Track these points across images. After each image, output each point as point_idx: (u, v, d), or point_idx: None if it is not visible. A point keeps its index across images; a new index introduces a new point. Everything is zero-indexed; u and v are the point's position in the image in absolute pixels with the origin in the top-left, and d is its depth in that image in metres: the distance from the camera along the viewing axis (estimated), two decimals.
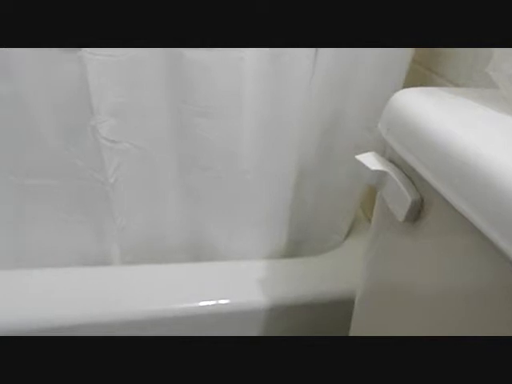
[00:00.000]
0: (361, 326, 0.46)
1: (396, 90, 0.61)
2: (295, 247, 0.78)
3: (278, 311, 0.66)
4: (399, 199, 0.32)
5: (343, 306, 0.57)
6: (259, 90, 0.61)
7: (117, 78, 0.57)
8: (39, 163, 0.63)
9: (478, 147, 0.25)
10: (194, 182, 0.68)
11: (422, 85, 0.67)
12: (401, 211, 0.32)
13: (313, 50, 0.58)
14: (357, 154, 0.67)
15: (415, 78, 0.67)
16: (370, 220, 0.85)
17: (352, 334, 0.48)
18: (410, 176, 0.33)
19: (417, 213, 0.31)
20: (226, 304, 0.64)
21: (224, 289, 0.66)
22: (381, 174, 0.34)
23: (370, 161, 0.35)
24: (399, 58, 0.60)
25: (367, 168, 0.34)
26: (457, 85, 0.59)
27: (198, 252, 0.74)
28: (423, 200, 0.31)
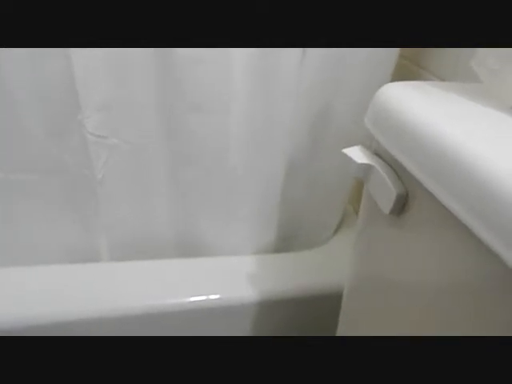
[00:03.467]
0: (349, 319, 0.47)
1: (383, 85, 0.62)
2: (285, 242, 0.78)
3: (268, 306, 0.66)
4: (385, 192, 0.32)
5: (332, 300, 0.57)
6: (248, 85, 0.61)
7: (104, 72, 0.57)
8: (26, 158, 0.62)
9: (461, 140, 0.26)
10: (183, 178, 0.68)
11: (409, 79, 0.67)
12: (386, 204, 0.32)
13: None
14: (346, 147, 0.68)
15: (402, 73, 0.67)
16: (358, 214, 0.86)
17: (341, 326, 0.49)
18: (396, 169, 0.33)
19: (402, 206, 0.32)
20: (216, 299, 0.65)
21: (214, 284, 0.67)
22: (367, 168, 0.34)
23: (357, 154, 0.35)
24: (387, 52, 0.61)
25: (353, 161, 0.35)
26: (443, 79, 0.59)
27: (187, 248, 0.74)
28: (408, 193, 0.32)
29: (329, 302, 0.64)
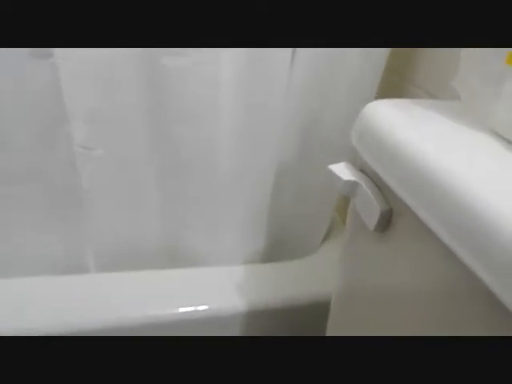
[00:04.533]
0: (336, 329, 0.47)
1: (371, 95, 0.63)
2: (273, 251, 0.78)
3: (256, 316, 0.66)
4: (370, 209, 0.33)
5: (320, 309, 0.58)
6: (236, 95, 0.61)
7: (91, 83, 0.57)
8: (11, 169, 0.61)
9: (438, 160, 0.27)
10: (171, 187, 0.68)
11: (394, 93, 0.69)
12: (371, 221, 0.33)
13: (289, 54, 0.59)
14: (335, 158, 0.68)
15: (389, 87, 0.68)
16: (345, 223, 0.87)
17: (328, 335, 0.49)
18: (380, 186, 0.34)
19: (386, 222, 0.32)
20: (204, 310, 0.64)
21: (202, 294, 0.66)
22: (353, 184, 0.35)
23: (342, 171, 0.36)
24: (373, 66, 0.62)
25: (339, 178, 0.35)
26: (429, 92, 0.61)
27: (175, 257, 0.74)
28: (392, 209, 0.32)
29: (317, 311, 0.64)
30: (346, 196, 0.78)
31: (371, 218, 0.33)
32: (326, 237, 0.81)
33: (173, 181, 0.67)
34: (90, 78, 0.56)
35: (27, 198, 0.64)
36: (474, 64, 0.33)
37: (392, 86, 0.69)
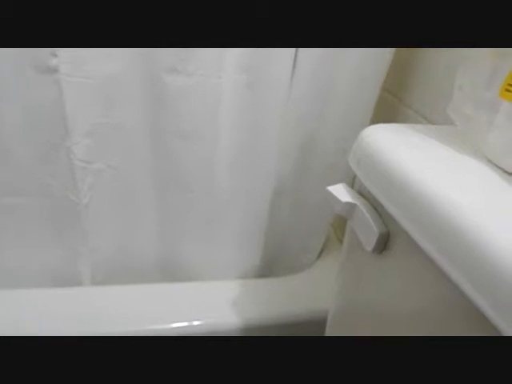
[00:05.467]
0: None
1: (367, 115, 0.65)
2: (269, 266, 0.78)
3: (250, 332, 0.66)
4: (367, 231, 0.34)
5: (315, 325, 0.58)
6: (236, 113, 0.62)
7: (93, 99, 0.57)
8: (12, 182, 0.62)
9: (436, 186, 0.28)
10: (169, 202, 0.68)
11: (389, 112, 0.70)
12: (369, 242, 0.34)
13: (288, 75, 0.60)
14: (331, 176, 0.69)
15: (383, 107, 0.70)
16: (340, 239, 0.88)
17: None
18: (378, 208, 0.35)
19: (384, 244, 0.33)
20: (198, 325, 0.64)
21: (197, 309, 0.66)
22: (351, 206, 0.36)
23: (340, 192, 0.37)
24: (370, 85, 0.63)
25: (338, 199, 0.36)
26: (422, 114, 0.62)
27: (172, 271, 0.74)
28: (390, 232, 0.33)
29: (312, 328, 0.64)
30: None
31: (369, 240, 0.34)
32: (321, 252, 0.81)
33: (171, 196, 0.68)
34: (93, 94, 0.57)
35: (27, 209, 0.64)
36: (468, 93, 0.35)
37: (387, 108, 0.71)
